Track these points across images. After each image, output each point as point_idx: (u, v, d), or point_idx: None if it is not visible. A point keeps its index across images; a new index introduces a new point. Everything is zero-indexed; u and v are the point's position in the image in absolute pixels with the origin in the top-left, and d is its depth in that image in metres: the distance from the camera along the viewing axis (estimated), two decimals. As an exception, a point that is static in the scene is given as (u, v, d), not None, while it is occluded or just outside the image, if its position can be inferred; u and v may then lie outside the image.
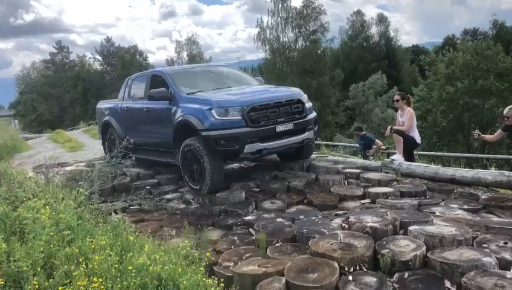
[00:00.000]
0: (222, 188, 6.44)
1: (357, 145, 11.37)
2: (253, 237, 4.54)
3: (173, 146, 6.88)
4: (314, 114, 7.03)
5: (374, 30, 57.51)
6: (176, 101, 6.86)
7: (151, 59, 67.23)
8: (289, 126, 6.41)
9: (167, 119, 6.92)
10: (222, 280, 3.37)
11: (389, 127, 7.85)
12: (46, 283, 2.86)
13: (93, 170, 6.97)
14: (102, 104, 9.89)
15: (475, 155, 14.21)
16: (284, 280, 3.41)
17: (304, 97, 6.85)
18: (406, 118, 7.58)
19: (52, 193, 4.90)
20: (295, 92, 6.98)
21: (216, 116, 6.07)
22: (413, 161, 7.65)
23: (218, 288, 3.14)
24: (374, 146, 9.81)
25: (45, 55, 67.19)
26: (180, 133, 6.69)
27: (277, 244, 4.21)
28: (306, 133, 6.70)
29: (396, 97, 7.94)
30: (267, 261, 3.83)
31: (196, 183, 6.48)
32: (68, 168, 8.84)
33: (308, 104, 6.90)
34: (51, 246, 3.30)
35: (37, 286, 2.80)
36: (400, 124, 7.73)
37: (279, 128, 6.31)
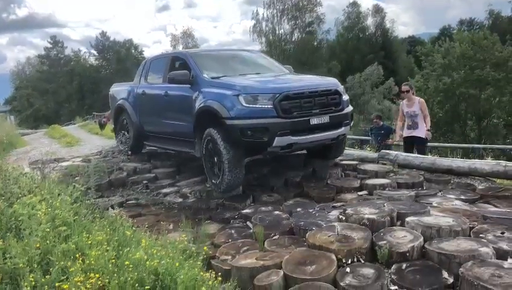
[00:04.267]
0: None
1: (354, 137, 11.30)
2: (251, 230, 4.54)
3: (193, 135, 6.37)
4: (350, 108, 6.41)
5: (369, 21, 57.67)
6: (198, 85, 6.30)
7: (146, 53, 66.93)
8: (324, 119, 5.77)
9: (187, 105, 6.38)
10: (220, 273, 3.37)
11: (398, 134, 7.96)
12: (43, 279, 2.84)
13: (90, 165, 6.96)
14: (116, 87, 9.33)
15: (472, 145, 14.28)
16: (281, 272, 3.41)
17: (341, 88, 6.26)
18: (418, 108, 7.56)
19: (48, 188, 4.87)
20: (332, 81, 6.42)
21: (244, 104, 5.47)
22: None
23: (216, 282, 3.14)
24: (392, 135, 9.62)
25: (39, 50, 67.19)
26: (201, 120, 6.11)
27: (275, 237, 4.20)
28: (342, 128, 6.07)
29: (406, 88, 7.91)
30: (265, 254, 3.83)
31: (216, 177, 5.97)
32: (64, 164, 8.77)
33: (345, 97, 6.28)
34: (47, 242, 3.28)
35: (33, 283, 2.79)
36: (408, 114, 7.66)
37: (314, 121, 5.67)
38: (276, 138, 5.45)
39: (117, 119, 8.89)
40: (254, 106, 5.47)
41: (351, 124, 6.42)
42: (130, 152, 8.30)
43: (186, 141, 6.68)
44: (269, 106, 5.44)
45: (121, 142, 8.49)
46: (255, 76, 6.53)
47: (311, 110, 5.68)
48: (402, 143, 8.19)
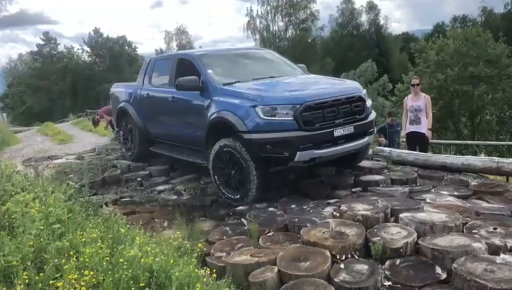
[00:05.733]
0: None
1: None
2: (245, 227, 4.54)
3: (204, 145, 5.85)
4: (374, 114, 5.90)
5: (363, 18, 57.79)
6: (209, 92, 5.79)
7: (140, 50, 66.71)
8: (349, 129, 5.29)
9: (198, 113, 5.91)
10: (214, 270, 3.38)
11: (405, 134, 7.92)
12: (37, 277, 2.84)
13: (83, 162, 6.92)
14: (118, 87, 8.72)
15: (465, 142, 14.36)
16: (276, 269, 3.42)
17: (364, 93, 5.73)
18: (423, 103, 7.60)
19: (41, 186, 4.85)
20: (355, 86, 5.90)
21: (262, 116, 5.01)
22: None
23: (210, 278, 3.15)
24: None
25: (32, 47, 66.64)
26: (214, 132, 5.65)
27: (269, 234, 4.21)
28: (367, 138, 5.62)
29: (416, 81, 7.98)
30: (259, 250, 3.84)
31: (234, 191, 5.44)
32: (58, 161, 8.75)
33: (369, 102, 5.77)
34: (41, 240, 3.27)
35: (27, 281, 2.78)
36: (412, 108, 7.68)
37: (338, 132, 5.19)
38: (298, 152, 4.99)
39: (119, 123, 8.41)
40: (273, 118, 5.03)
41: (375, 131, 6.01)
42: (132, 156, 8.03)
43: (196, 150, 6.24)
44: (290, 118, 4.99)
45: (126, 148, 8.12)
46: (269, 81, 6.07)
47: (335, 121, 5.23)
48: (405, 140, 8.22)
